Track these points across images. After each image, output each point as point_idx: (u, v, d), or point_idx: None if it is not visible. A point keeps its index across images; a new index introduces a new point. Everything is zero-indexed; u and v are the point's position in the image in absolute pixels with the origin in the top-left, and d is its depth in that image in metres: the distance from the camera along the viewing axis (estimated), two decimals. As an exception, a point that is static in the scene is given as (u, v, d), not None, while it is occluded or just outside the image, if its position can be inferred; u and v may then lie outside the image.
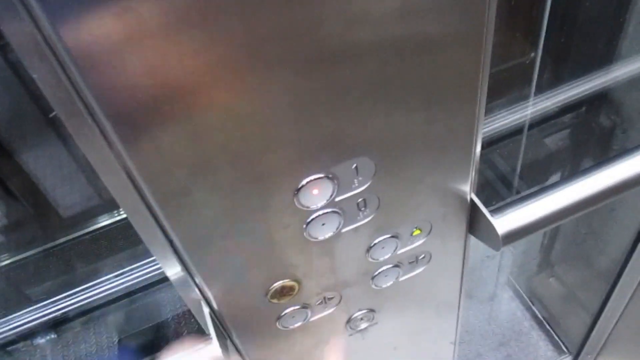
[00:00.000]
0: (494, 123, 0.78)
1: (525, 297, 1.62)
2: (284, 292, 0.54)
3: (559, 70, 0.82)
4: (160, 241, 0.44)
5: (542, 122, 0.87)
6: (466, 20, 0.39)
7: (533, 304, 1.61)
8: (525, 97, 0.78)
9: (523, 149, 0.90)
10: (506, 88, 0.79)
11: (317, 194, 0.45)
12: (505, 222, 0.55)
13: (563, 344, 1.50)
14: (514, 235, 0.55)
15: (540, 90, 0.79)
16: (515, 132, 0.86)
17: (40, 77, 0.31)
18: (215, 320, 0.53)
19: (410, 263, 0.60)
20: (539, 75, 0.77)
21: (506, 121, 0.80)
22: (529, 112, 0.78)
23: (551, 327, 1.54)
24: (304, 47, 0.35)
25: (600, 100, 0.88)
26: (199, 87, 0.34)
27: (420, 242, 0.57)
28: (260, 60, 0.34)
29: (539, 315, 1.58)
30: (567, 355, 1.48)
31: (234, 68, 0.34)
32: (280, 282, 0.52)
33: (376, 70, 0.39)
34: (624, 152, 0.59)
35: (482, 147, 0.52)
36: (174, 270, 0.49)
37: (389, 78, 0.40)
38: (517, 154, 0.91)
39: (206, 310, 0.53)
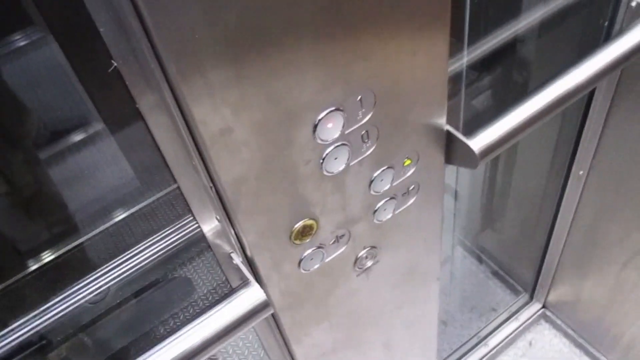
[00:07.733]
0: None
1: (477, 252, 1.75)
2: (304, 232, 0.59)
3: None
4: (205, 187, 0.48)
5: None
6: None
7: (484, 257, 1.75)
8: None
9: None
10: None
11: (331, 127, 0.52)
12: (478, 141, 0.65)
13: (519, 285, 1.64)
14: (487, 150, 0.64)
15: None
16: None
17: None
18: (249, 267, 0.58)
19: (403, 195, 0.67)
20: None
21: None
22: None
23: (505, 273, 1.68)
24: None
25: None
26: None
27: (411, 172, 0.65)
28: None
29: (492, 265, 1.72)
30: (523, 294, 1.62)
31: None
32: (302, 221, 0.58)
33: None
34: (561, 71, 0.70)
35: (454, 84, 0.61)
36: (211, 225, 0.54)
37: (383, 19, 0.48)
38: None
39: (238, 259, 0.58)
